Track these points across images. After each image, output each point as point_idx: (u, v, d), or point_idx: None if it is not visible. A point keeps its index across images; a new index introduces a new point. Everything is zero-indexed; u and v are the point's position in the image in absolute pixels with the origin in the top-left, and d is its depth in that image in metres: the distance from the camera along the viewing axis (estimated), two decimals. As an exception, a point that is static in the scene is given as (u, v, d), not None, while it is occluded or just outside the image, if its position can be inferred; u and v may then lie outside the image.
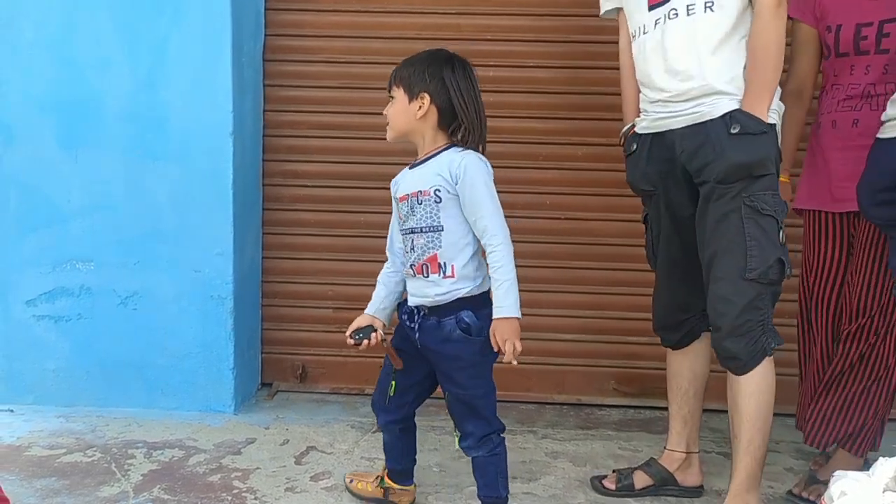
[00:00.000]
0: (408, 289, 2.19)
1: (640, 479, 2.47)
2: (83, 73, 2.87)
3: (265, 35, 3.15)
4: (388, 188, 3.18)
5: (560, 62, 3.13)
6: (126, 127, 2.90)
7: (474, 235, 2.06)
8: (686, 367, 2.41)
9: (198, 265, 2.96)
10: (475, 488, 2.27)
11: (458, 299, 2.06)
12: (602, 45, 3.07)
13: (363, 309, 3.21)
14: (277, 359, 3.31)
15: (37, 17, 2.87)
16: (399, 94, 2.11)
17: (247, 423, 2.95)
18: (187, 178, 2.92)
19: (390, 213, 3.17)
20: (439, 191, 2.04)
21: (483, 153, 2.09)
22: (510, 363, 2.01)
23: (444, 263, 2.05)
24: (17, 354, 3.01)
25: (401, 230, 2.18)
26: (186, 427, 2.89)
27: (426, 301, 2.10)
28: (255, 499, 2.38)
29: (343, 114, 3.19)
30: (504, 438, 2.17)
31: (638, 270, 3.13)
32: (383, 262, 3.20)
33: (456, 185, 2.02)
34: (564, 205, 3.16)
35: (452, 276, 2.05)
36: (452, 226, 2.04)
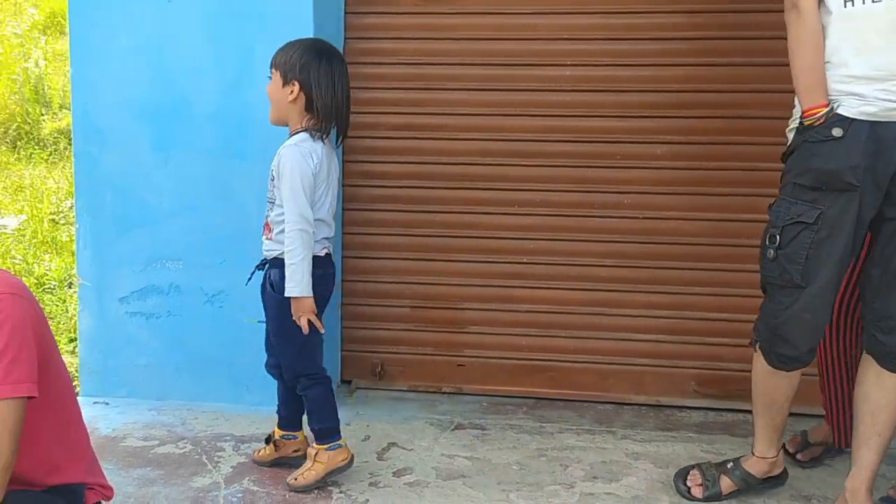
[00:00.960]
0: None
1: (726, 485, 2.43)
2: (174, 78, 2.98)
3: (344, 38, 3.22)
4: (465, 188, 3.24)
5: (637, 60, 3.10)
6: (214, 129, 2.99)
7: None
8: (787, 382, 2.33)
9: (281, 264, 3.04)
10: (556, 486, 2.28)
11: (273, 258, 2.44)
12: (677, 42, 3.05)
13: (441, 308, 3.29)
14: (357, 357, 3.37)
15: (131, 24, 2.99)
16: (276, 77, 2.40)
17: (328, 419, 3.02)
18: (271, 180, 3.00)
19: (466, 212, 3.24)
20: (273, 170, 2.40)
21: (340, 142, 2.52)
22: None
23: (272, 229, 2.43)
24: (112, 350, 3.14)
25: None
26: (271, 422, 2.94)
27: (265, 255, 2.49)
28: (341, 493, 2.44)
29: (419, 114, 3.22)
30: (313, 383, 2.48)
31: (720, 270, 3.10)
32: (460, 261, 3.26)
33: (277, 167, 2.38)
34: (643, 204, 3.13)
35: (271, 240, 2.44)
36: (280, 199, 2.38)
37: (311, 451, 2.52)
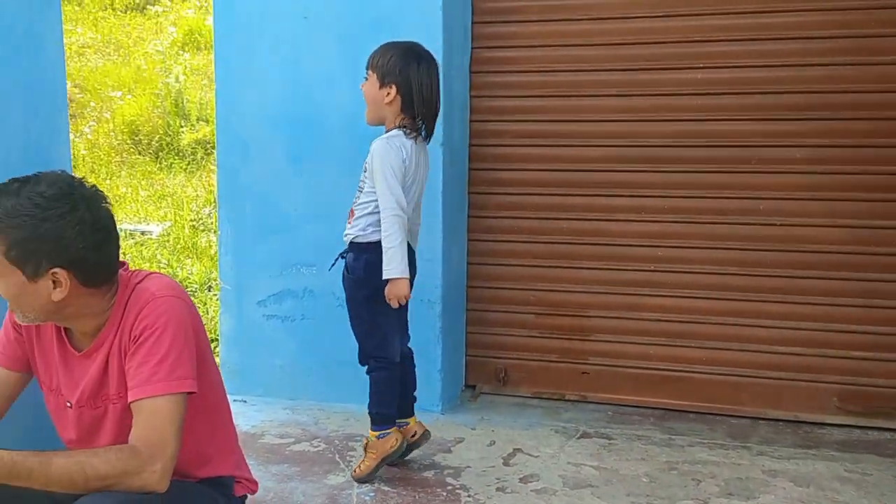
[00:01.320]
0: None
1: None
2: (310, 91, 3.11)
3: (472, 48, 3.26)
4: (592, 195, 3.21)
5: (775, 61, 2.98)
6: (345, 140, 3.10)
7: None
8: None
9: (409, 270, 3.11)
10: (689, 502, 2.21)
11: (350, 242, 2.56)
12: (820, 41, 2.92)
13: (566, 315, 3.27)
14: (481, 362, 3.40)
15: (270, 41, 3.14)
16: (372, 78, 2.50)
17: (454, 423, 3.06)
18: (400, 188, 3.08)
19: (593, 219, 3.21)
20: (367, 164, 2.50)
21: (429, 138, 2.56)
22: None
23: (354, 214, 2.55)
24: (250, 350, 3.30)
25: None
26: (399, 424, 3.03)
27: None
28: (469, 496, 2.46)
29: (547, 122, 3.23)
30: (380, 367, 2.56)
31: (865, 280, 2.94)
32: (586, 268, 3.23)
33: (370, 160, 2.49)
34: (781, 210, 3.00)
35: (350, 224, 2.56)
36: (367, 188, 2.51)
37: (364, 441, 2.62)
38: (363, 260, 2.51)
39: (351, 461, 2.71)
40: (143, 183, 6.53)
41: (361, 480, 2.54)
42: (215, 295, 4.36)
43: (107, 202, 1.80)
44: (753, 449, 2.82)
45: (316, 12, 3.09)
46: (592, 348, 3.26)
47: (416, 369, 3.14)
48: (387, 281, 2.45)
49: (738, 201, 3.05)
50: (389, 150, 2.44)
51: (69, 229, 1.68)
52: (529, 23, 3.20)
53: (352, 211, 2.57)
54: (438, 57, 2.97)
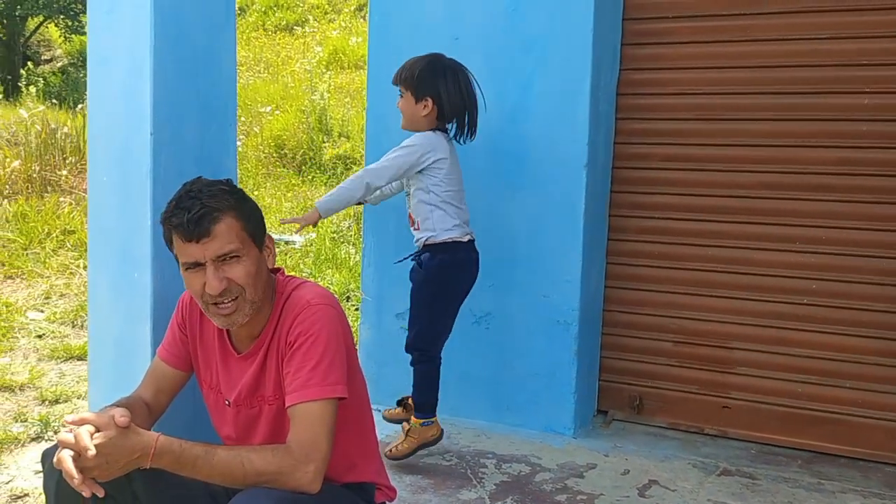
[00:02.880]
0: None
1: None
2: (457, 111, 3.17)
3: (619, 69, 3.22)
4: (742, 222, 3.09)
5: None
6: (491, 160, 3.14)
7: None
8: None
9: (546, 290, 3.10)
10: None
11: (425, 245, 2.71)
12: None
13: (708, 345, 3.16)
14: (614, 387, 3.33)
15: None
16: (407, 95, 2.66)
17: (586, 448, 3.01)
18: (542, 208, 3.09)
19: (741, 247, 3.09)
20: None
21: (472, 137, 2.77)
22: None
23: (415, 219, 2.73)
24: (386, 360, 3.38)
25: None
26: (529, 444, 3.02)
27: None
28: (604, 525, 2.42)
29: (696, 145, 3.14)
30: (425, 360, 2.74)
31: None
32: (731, 297, 3.11)
33: None
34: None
35: (417, 229, 2.72)
36: (413, 190, 2.70)
37: (405, 426, 2.81)
38: (437, 259, 2.68)
39: (483, 478, 2.72)
40: (287, 195, 6.85)
41: (395, 459, 2.74)
42: (353, 305, 4.49)
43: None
44: (914, 502, 2.62)
45: (466, 34, 3.15)
46: (735, 382, 3.12)
47: (550, 390, 3.15)
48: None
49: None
50: (420, 138, 2.65)
51: (257, 210, 1.86)
52: (681, 44, 3.13)
53: (410, 216, 2.74)
54: (586, 78, 2.99)
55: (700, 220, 3.15)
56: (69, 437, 1.56)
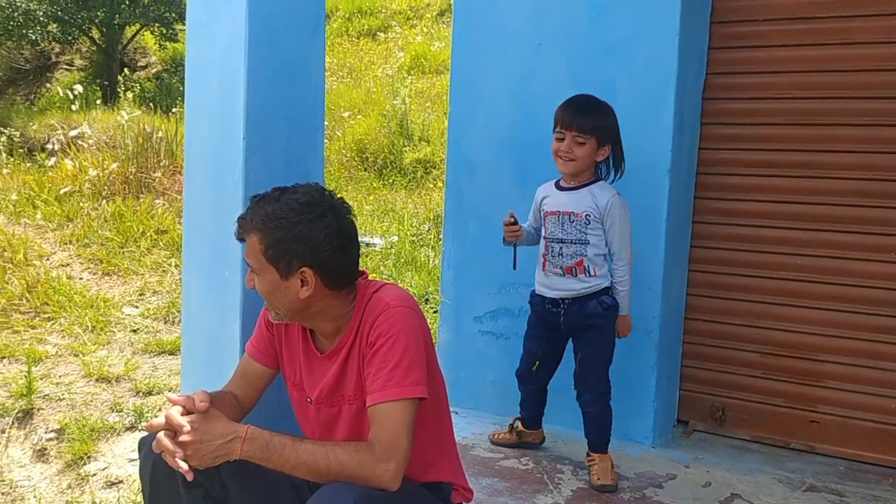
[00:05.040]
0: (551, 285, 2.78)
1: None
2: (538, 116, 3.16)
3: (706, 74, 3.17)
4: (832, 230, 2.99)
5: None
6: (571, 165, 3.12)
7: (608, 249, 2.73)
8: None
9: (627, 297, 3.07)
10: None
11: (605, 288, 2.75)
12: None
13: (795, 357, 3.07)
14: (696, 398, 3.27)
15: (503, 67, 3.25)
16: (591, 141, 2.64)
17: (666, 459, 2.97)
18: (623, 214, 3.05)
19: (832, 256, 2.99)
20: (589, 215, 2.68)
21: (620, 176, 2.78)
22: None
23: (588, 266, 2.73)
24: (464, 363, 3.41)
25: (546, 238, 2.79)
26: (606, 451, 2.99)
27: (571, 294, 2.73)
28: (684, 537, 2.38)
29: (783, 151, 3.06)
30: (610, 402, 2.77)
31: None
32: (820, 308, 3.01)
33: (603, 214, 2.68)
34: None
35: (595, 276, 2.73)
36: (595, 241, 2.69)
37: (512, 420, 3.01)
38: (614, 300, 2.74)
39: (559, 483, 2.72)
40: (368, 198, 6.97)
41: (496, 444, 3.01)
42: (432, 308, 4.54)
43: (351, 213, 1.96)
44: None
45: (550, 39, 3.15)
46: (824, 395, 3.02)
47: (629, 397, 3.11)
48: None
49: None
50: (624, 205, 2.71)
51: (318, 233, 1.84)
52: (771, 48, 3.06)
53: (580, 263, 2.71)
54: (671, 83, 2.96)
55: (787, 228, 3.06)
56: (160, 420, 1.69)
